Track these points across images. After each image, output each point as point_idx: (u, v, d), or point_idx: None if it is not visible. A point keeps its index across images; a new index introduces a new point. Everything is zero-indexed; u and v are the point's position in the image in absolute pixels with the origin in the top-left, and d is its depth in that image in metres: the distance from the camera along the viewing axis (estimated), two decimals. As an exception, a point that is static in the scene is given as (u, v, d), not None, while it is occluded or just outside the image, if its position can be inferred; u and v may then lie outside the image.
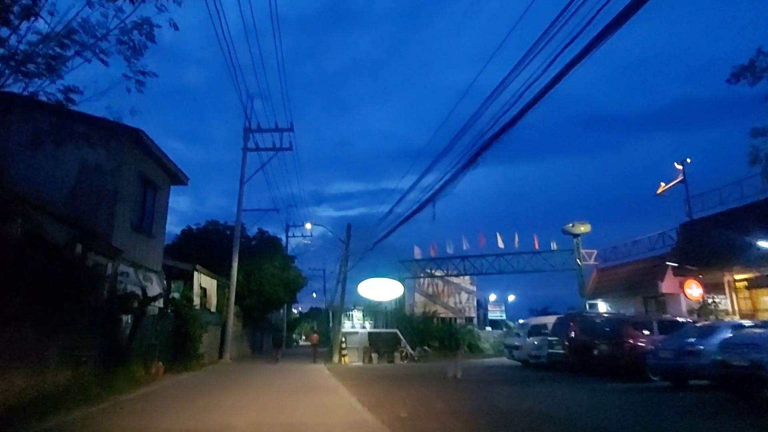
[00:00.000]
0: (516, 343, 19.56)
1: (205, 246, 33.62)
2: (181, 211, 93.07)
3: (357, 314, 26.13)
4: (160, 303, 16.63)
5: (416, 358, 25.63)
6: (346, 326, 25.18)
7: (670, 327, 12.46)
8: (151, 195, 16.15)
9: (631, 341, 12.17)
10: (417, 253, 31.67)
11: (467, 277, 35.45)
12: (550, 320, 19.00)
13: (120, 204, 13.76)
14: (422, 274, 32.42)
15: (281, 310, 48.40)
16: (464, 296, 36.16)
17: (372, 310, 27.22)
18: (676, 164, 20.79)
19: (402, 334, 26.23)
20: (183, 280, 21.98)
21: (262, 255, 31.99)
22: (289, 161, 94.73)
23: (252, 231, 35.11)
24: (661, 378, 11.31)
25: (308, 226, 27.93)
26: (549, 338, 16.56)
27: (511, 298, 40.30)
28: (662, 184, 21.65)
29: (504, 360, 23.43)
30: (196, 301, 21.17)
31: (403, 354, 25.18)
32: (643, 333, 12.47)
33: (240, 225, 28.36)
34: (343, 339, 24.38)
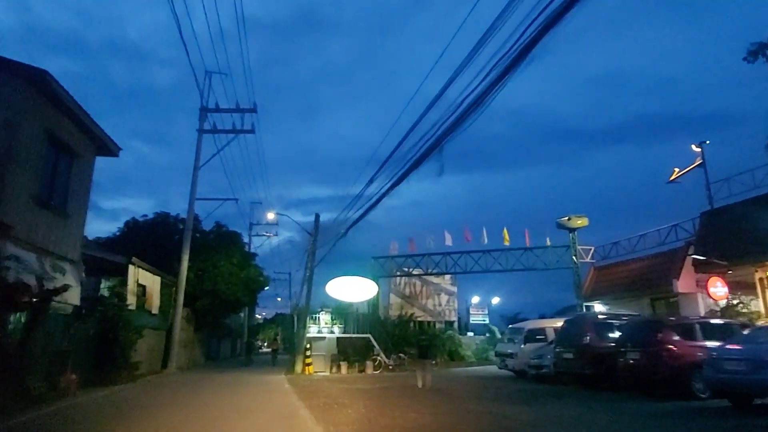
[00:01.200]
0: (509, 351, 17.20)
1: (153, 240, 30.42)
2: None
3: (325, 317, 23.29)
4: (76, 300, 13.49)
5: (391, 367, 23.01)
6: (312, 331, 22.36)
7: (716, 331, 10.22)
8: (66, 162, 13.03)
9: (672, 348, 9.85)
10: (393, 248, 29.07)
11: (448, 277, 33.12)
12: (551, 324, 16.72)
13: (13, 166, 10.64)
14: (398, 273, 29.86)
15: (242, 314, 45.12)
16: (444, 298, 33.75)
17: (342, 312, 24.43)
18: (693, 147, 18.87)
19: (375, 339, 23.59)
20: (120, 276, 18.71)
21: (218, 251, 28.90)
22: (252, 152, 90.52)
23: (209, 225, 31.90)
24: (713, 395, 9.00)
25: (271, 215, 24.80)
26: (556, 345, 14.14)
27: (496, 300, 38.30)
28: (676, 170, 19.73)
29: (491, 369, 21.19)
30: (132, 300, 18.00)
31: (377, 362, 22.53)
32: (687, 338, 10.15)
33: (192, 215, 25.28)
34: (308, 345, 21.56)
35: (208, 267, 27.68)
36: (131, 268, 18.53)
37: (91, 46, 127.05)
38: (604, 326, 13.00)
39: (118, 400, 11.42)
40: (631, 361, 10.62)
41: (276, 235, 46.13)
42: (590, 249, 25.99)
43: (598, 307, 22.73)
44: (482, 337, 29.80)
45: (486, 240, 27.33)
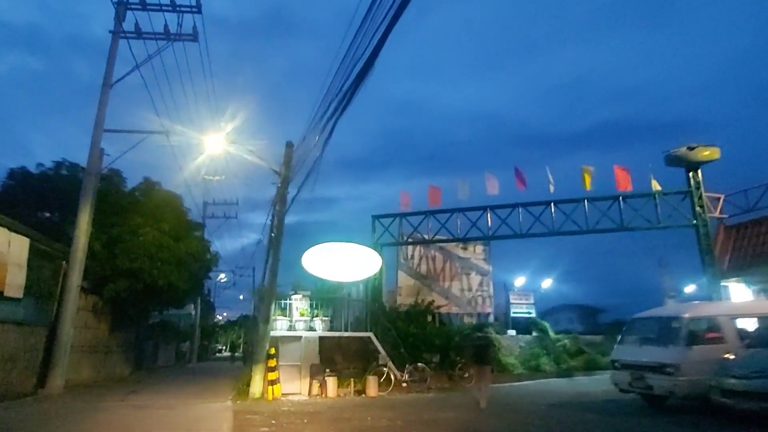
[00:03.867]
0: (657, 360, 9.36)
1: (54, 200, 22.19)
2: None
3: (300, 305, 15.38)
4: None
5: (405, 383, 15.29)
6: (280, 326, 14.44)
7: None
8: None
9: None
10: (405, 203, 21.11)
11: (480, 249, 25.52)
12: (749, 310, 9.11)
13: None
14: (411, 240, 22.36)
15: (193, 311, 36.90)
16: (475, 280, 25.62)
17: (327, 298, 16.37)
18: None
19: (380, 340, 15.81)
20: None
21: (143, 215, 20.76)
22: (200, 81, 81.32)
23: (135, 181, 23.61)
24: None
25: (218, 143, 15.67)
26: None
27: (547, 284, 30.41)
28: None
29: (557, 384, 14.18)
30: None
31: (383, 376, 14.78)
32: None
33: (99, 155, 17.27)
34: (273, 350, 13.77)
35: (125, 235, 19.53)
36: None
37: None
38: None
39: None
40: None
41: (236, 217, 38.05)
42: (718, 198, 18.36)
43: (737, 290, 15.11)
44: (528, 336, 22.13)
45: (553, 187, 19.62)
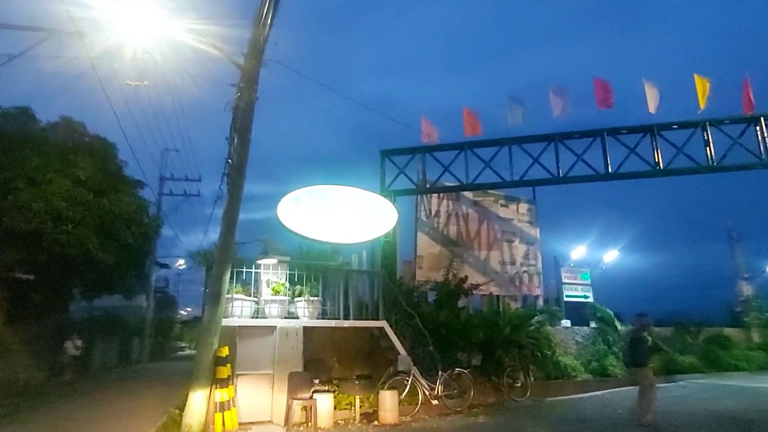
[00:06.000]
0: None
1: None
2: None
3: (273, 276, 9.93)
4: None
5: (436, 400, 10.07)
6: (238, 310, 8.77)
7: None
8: None
9: None
10: (428, 131, 15.38)
11: (524, 208, 19.64)
12: None
13: None
14: (437, 189, 16.43)
15: (145, 304, 31.02)
16: (519, 250, 19.84)
17: (314, 268, 10.75)
18: None
19: (397, 333, 10.45)
20: None
21: (50, 156, 15.24)
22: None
23: (49, 116, 17.81)
24: None
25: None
26: None
27: (611, 258, 23.65)
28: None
29: (691, 402, 9.49)
30: None
31: (405, 389, 9.53)
32: None
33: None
34: (226, 351, 8.30)
35: (16, 183, 13.90)
36: None
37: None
38: None
39: None
40: None
41: (198, 195, 32.10)
42: None
43: None
44: (584, 328, 16.79)
45: (656, 103, 14.20)
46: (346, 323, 10.50)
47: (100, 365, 24.77)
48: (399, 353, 10.49)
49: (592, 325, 17.09)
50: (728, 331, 20.12)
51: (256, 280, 10.04)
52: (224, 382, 8.38)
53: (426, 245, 16.95)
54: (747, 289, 23.02)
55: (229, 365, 8.61)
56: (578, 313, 18.63)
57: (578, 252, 21.75)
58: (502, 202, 18.87)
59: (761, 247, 28.19)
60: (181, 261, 33.89)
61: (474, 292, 14.42)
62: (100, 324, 25.30)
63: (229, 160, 9.56)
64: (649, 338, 9.95)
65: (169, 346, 42.89)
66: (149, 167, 26.01)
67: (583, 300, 19.40)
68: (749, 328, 21.68)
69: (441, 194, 17.73)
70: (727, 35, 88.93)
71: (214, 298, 8.62)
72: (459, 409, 10.36)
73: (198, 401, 8.09)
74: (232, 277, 9.28)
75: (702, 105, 14.35)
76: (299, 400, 8.71)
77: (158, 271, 35.02)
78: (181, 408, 8.40)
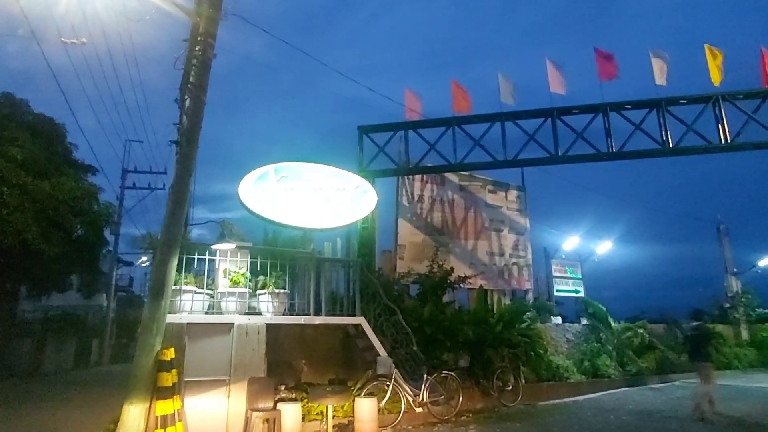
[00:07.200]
0: None
1: None
2: None
3: (231, 265, 8.57)
4: None
5: (421, 407, 8.82)
6: (191, 304, 7.27)
7: None
8: None
9: None
10: (412, 105, 14.06)
11: (513, 195, 18.22)
12: None
13: None
14: (419, 170, 15.02)
15: (105, 303, 29.15)
16: (508, 240, 18.35)
17: (280, 255, 9.38)
18: None
19: (377, 330, 9.20)
20: None
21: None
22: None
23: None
24: None
25: None
26: None
27: (604, 250, 21.99)
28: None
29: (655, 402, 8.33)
30: None
31: (386, 395, 8.24)
32: None
33: None
34: (172, 354, 6.91)
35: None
36: None
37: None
38: None
39: None
40: None
41: (164, 188, 30.07)
42: None
43: None
44: (576, 325, 15.68)
45: (665, 75, 13.06)
46: (318, 320, 9.14)
47: (54, 368, 22.90)
48: (378, 354, 9.20)
49: (584, 321, 16.05)
50: (718, 328, 19.37)
51: (211, 270, 8.59)
52: (168, 392, 6.95)
53: (408, 233, 15.58)
54: (736, 285, 22.38)
55: (174, 371, 7.20)
56: (566, 307, 17.60)
57: (569, 243, 20.67)
58: (490, 187, 17.60)
59: (751, 242, 27.73)
60: (144, 258, 31.93)
61: (461, 285, 13.19)
62: (54, 324, 23.46)
63: (179, 126, 8.12)
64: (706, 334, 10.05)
65: (134, 348, 40.83)
66: (111, 159, 24.13)
67: (574, 295, 18.37)
68: (738, 324, 21.04)
69: (425, 178, 16.32)
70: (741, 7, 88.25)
71: (157, 290, 7.18)
72: (446, 418, 9.13)
73: (134, 415, 6.66)
74: (181, 266, 7.85)
75: (716, 79, 13.30)
76: (260, 411, 7.34)
77: (120, 269, 33.14)
78: (116, 422, 6.98)
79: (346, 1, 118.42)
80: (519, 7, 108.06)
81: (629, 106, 13.91)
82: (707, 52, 13.60)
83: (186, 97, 8.11)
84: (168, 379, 7.03)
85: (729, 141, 13.32)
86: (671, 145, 13.43)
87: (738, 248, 23.96)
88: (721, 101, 13.52)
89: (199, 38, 7.96)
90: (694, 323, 10.08)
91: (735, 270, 22.71)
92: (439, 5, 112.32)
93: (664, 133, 13.44)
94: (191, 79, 7.89)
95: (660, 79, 13.89)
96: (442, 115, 14.43)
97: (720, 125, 13.41)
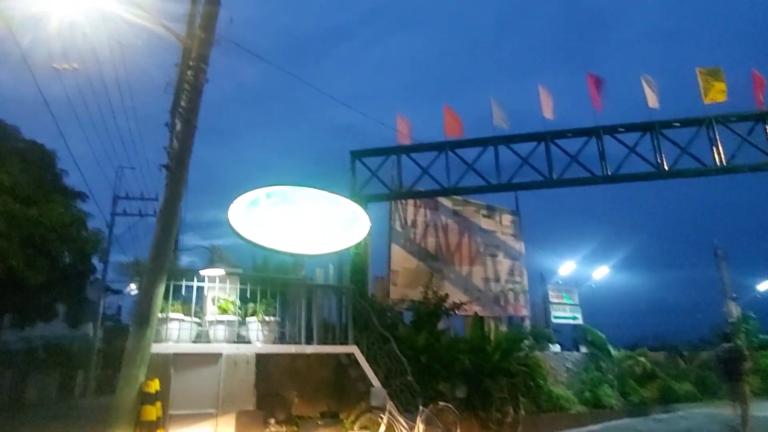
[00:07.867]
0: None
1: None
2: None
3: (219, 292, 8.36)
4: None
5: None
6: (178, 333, 7.01)
7: None
8: None
9: None
10: (404, 130, 14.05)
11: (507, 220, 18.20)
12: None
13: None
14: (414, 195, 15.13)
15: (91, 331, 28.56)
16: (503, 265, 18.06)
17: (271, 282, 9.16)
18: None
19: (370, 359, 8.94)
20: None
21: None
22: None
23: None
24: None
25: None
26: None
27: (601, 275, 21.86)
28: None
29: None
30: None
31: (380, 426, 7.96)
32: None
33: None
34: (157, 386, 6.60)
35: None
36: None
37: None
38: None
39: None
40: None
41: (155, 215, 29.92)
42: None
43: None
44: (575, 353, 15.40)
45: (656, 98, 13.08)
46: (309, 349, 8.89)
47: (36, 400, 22.29)
48: (372, 384, 8.93)
49: (583, 349, 15.79)
50: (720, 355, 19.05)
51: (200, 297, 8.37)
52: (152, 426, 6.68)
53: (401, 259, 15.41)
54: (735, 310, 22.14)
55: (159, 403, 6.93)
56: (563, 335, 17.35)
57: (565, 268, 20.50)
58: (484, 212, 17.57)
59: (749, 266, 27.65)
60: (132, 285, 31.46)
61: (456, 311, 12.97)
62: (37, 355, 22.93)
63: (169, 150, 8.01)
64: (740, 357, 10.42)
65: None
66: (102, 185, 23.98)
67: (572, 322, 18.14)
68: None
69: (418, 202, 16.32)
70: (734, 29, 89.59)
71: (142, 318, 6.97)
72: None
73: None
74: (168, 292, 7.65)
75: (720, 98, 13.37)
76: (248, 445, 7.05)
77: (108, 297, 32.62)
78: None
79: (340, 31, 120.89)
80: (510, 36, 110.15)
81: (623, 129, 14.01)
82: (699, 76, 13.75)
83: (176, 120, 8.04)
84: (152, 412, 6.75)
85: (724, 163, 13.40)
86: (666, 168, 13.49)
87: (736, 273, 23.90)
88: (714, 124, 13.65)
89: (190, 62, 7.96)
90: (726, 344, 10.68)
91: (734, 295, 22.58)
92: (431, 34, 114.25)
93: (658, 156, 13.49)
94: (182, 103, 7.83)
95: (653, 102, 14.04)
96: (435, 141, 14.50)
97: (714, 148, 13.50)
